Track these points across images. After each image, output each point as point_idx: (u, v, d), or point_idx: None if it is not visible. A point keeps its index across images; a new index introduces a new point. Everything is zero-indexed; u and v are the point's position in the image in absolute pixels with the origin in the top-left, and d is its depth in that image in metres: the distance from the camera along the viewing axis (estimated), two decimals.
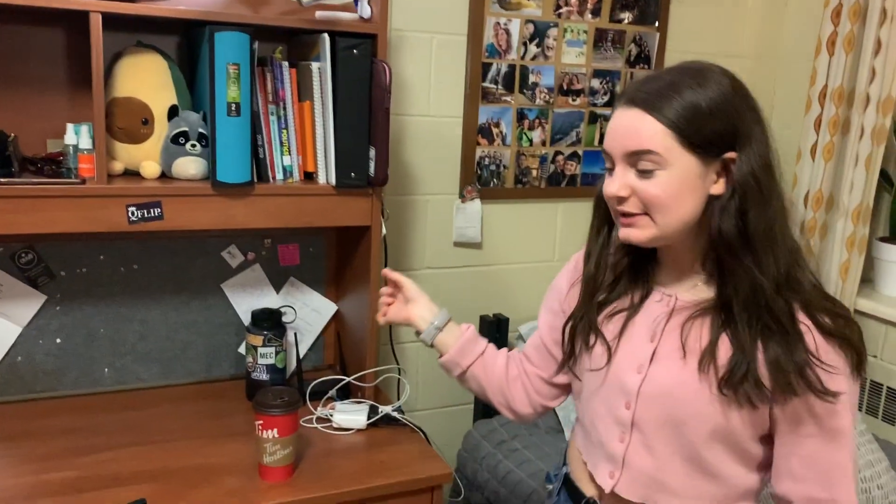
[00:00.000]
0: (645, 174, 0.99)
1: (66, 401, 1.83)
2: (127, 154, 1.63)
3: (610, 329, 1.14)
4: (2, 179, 1.48)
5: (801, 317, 1.00)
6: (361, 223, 1.78)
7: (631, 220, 1.03)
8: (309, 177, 1.76)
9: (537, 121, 2.25)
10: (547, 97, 2.24)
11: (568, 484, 1.25)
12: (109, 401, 1.84)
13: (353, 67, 1.65)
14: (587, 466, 1.20)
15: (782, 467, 1.05)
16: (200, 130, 1.62)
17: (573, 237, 2.34)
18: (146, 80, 1.63)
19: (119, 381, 1.89)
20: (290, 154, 1.72)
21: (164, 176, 1.65)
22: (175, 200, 1.59)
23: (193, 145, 1.61)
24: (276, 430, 1.49)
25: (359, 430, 1.76)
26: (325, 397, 1.85)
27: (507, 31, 2.15)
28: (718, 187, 1.01)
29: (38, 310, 1.79)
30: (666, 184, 0.99)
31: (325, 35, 1.63)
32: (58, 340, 1.82)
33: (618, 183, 1.02)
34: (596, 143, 2.35)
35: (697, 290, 1.08)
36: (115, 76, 1.61)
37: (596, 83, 2.30)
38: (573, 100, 2.28)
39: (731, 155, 0.99)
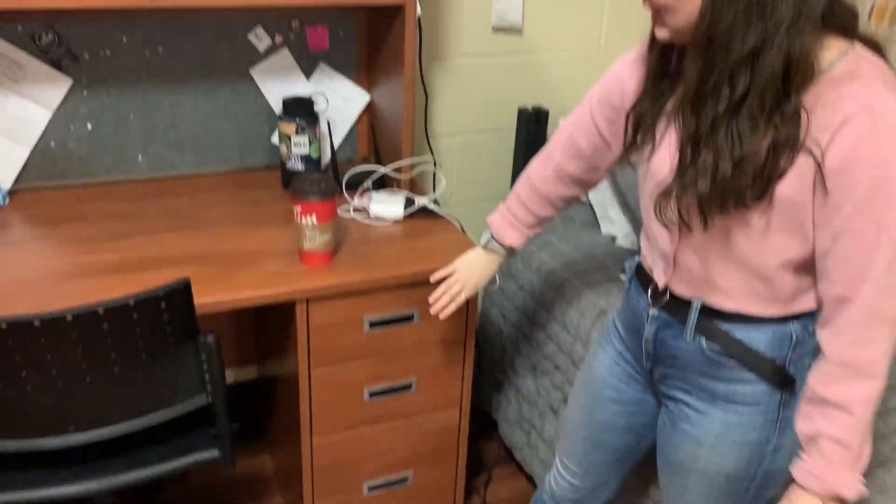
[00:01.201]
0: None
1: (102, 187, 1.83)
2: None
3: (661, 124, 1.10)
4: None
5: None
6: (394, 1, 1.66)
7: (656, 17, 1.02)
8: None
9: None
10: None
11: (639, 271, 1.26)
12: (145, 188, 1.84)
13: None
14: (647, 264, 1.23)
15: (820, 267, 1.02)
16: None
17: (622, 23, 2.18)
18: None
19: (154, 168, 1.88)
20: None
21: None
22: None
23: None
24: (314, 217, 1.48)
25: (395, 221, 1.75)
26: (361, 188, 1.84)
27: None
28: None
29: (66, 94, 1.74)
30: None
31: None
32: (88, 126, 1.79)
33: None
34: None
35: None
36: None
37: None
38: None
39: None
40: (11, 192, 1.77)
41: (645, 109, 1.10)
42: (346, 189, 1.82)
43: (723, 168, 0.97)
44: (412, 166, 1.86)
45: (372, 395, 1.66)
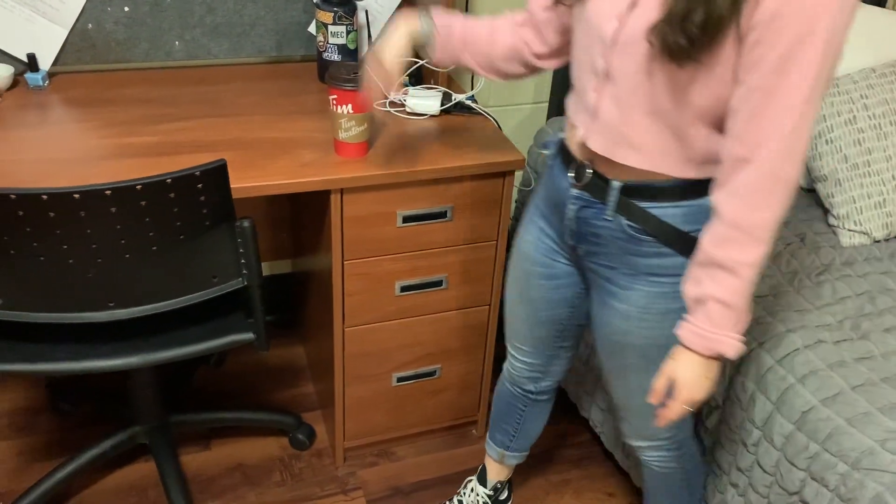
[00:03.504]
0: None
1: (139, 73, 1.83)
2: None
3: None
4: None
5: None
6: None
7: None
8: None
9: None
10: None
11: (562, 150, 1.26)
12: (182, 75, 1.83)
13: None
14: (572, 120, 1.21)
15: (727, 125, 1.02)
16: None
17: None
18: None
19: (190, 55, 1.86)
20: None
21: None
22: None
23: None
24: (350, 106, 1.46)
25: (431, 116, 1.73)
26: (398, 82, 1.80)
27: None
28: None
29: None
30: None
31: None
32: (125, 9, 1.76)
33: None
34: None
35: None
36: None
37: None
38: None
39: None
40: (50, 74, 1.77)
41: None
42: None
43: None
44: None
45: (403, 289, 1.68)
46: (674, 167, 1.10)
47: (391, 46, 1.34)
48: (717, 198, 1.05)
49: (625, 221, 1.16)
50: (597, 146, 1.14)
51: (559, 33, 1.27)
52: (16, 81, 1.74)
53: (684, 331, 1.10)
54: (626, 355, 1.26)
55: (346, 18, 1.76)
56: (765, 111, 0.97)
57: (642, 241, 1.16)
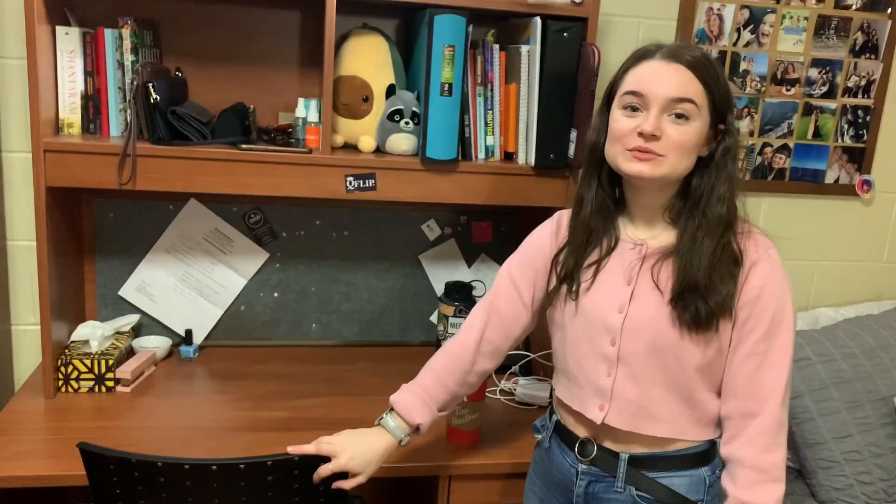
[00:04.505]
0: (680, 119, 1.14)
1: (277, 350, 2.03)
2: (347, 128, 1.77)
3: (587, 274, 1.26)
4: (243, 146, 1.67)
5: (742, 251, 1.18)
6: (556, 204, 1.81)
7: (649, 156, 1.15)
8: (508, 157, 1.81)
9: (746, 110, 2.15)
10: (758, 86, 2.14)
11: (559, 431, 1.32)
12: (315, 353, 2.02)
13: (562, 50, 1.67)
14: (574, 408, 1.28)
15: (729, 387, 1.19)
16: (414, 109, 1.72)
17: (777, 234, 2.22)
18: (369, 60, 1.75)
19: (323, 335, 2.06)
20: (493, 134, 1.78)
21: (378, 150, 1.77)
22: (387, 173, 1.71)
23: (407, 123, 1.72)
24: (464, 396, 1.56)
25: (541, 407, 1.80)
26: (509, 372, 1.91)
27: (720, 17, 2.07)
28: (704, 150, 1.19)
29: (261, 266, 1.99)
30: (693, 132, 1.15)
31: (537, 18, 1.67)
32: (275, 294, 2.02)
33: (653, 122, 1.14)
34: (809, 135, 2.21)
35: (661, 238, 1.23)
36: (342, 56, 1.75)
37: (814, 73, 2.16)
38: (787, 89, 2.16)
39: (722, 126, 1.19)
40: (200, 347, 2.00)
41: (572, 260, 1.27)
42: (495, 371, 1.90)
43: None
44: None
45: None
46: (690, 430, 1.22)
47: (363, 465, 1.33)
48: (731, 448, 1.18)
49: (635, 492, 1.22)
50: (621, 424, 1.22)
51: (531, 318, 1.39)
52: (170, 352, 1.97)
53: None
54: None
55: (466, 312, 1.93)
56: (763, 371, 1.16)
57: None
